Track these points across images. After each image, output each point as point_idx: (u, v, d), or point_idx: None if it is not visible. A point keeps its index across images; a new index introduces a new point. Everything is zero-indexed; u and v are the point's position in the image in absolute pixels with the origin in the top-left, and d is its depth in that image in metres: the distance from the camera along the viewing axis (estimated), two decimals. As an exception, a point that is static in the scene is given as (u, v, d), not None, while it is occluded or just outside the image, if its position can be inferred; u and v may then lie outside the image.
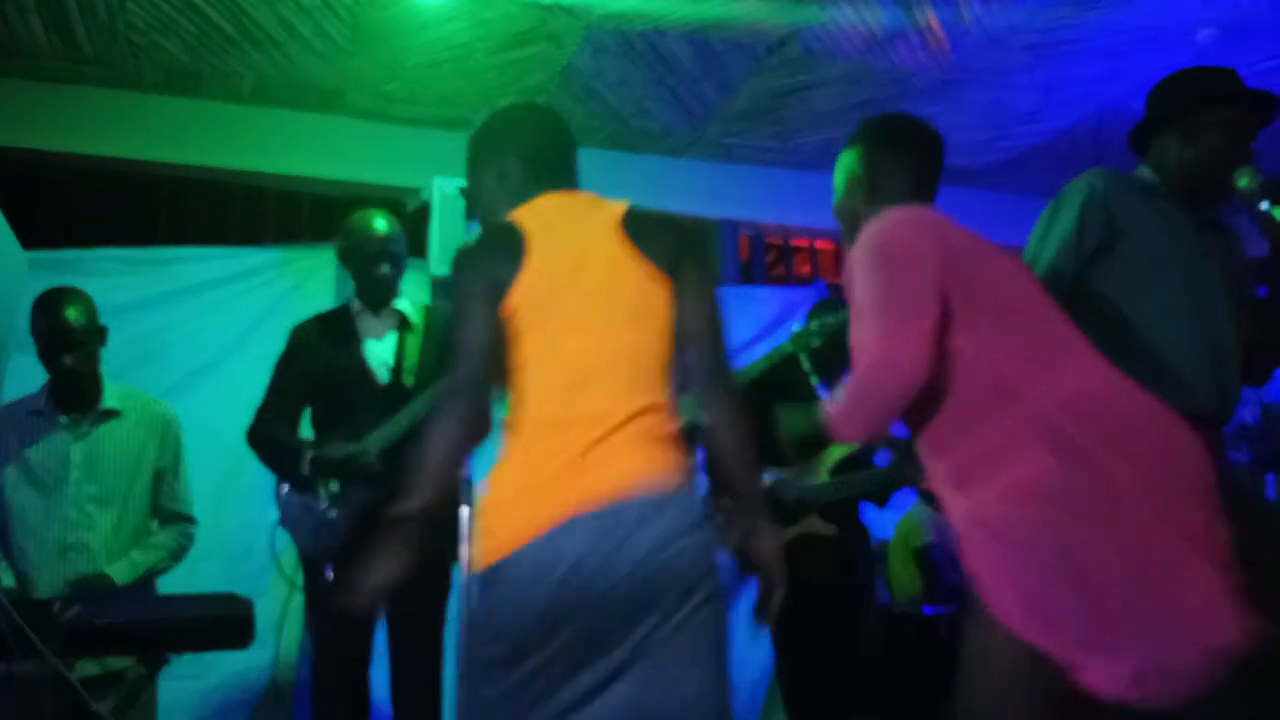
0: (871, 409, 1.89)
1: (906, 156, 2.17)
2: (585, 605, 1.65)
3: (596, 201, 1.91)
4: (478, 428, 1.78)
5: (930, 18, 4.08)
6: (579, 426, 1.73)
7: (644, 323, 1.80)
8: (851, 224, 2.18)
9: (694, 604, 1.71)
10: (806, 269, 5.75)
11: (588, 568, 1.65)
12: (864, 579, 3.50)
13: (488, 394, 1.78)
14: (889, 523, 4.34)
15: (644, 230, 1.83)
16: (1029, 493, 1.77)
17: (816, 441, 2.28)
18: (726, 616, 1.78)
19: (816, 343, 3.40)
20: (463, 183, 2.97)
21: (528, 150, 1.99)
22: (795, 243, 5.72)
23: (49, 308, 3.00)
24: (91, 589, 2.87)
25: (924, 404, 1.90)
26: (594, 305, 1.78)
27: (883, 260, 1.93)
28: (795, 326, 3.53)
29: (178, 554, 3.16)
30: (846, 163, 2.22)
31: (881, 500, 3.50)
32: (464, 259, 1.85)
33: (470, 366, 1.77)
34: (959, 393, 1.88)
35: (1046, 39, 4.25)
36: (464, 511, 2.68)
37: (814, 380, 3.50)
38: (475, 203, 2.08)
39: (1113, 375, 1.90)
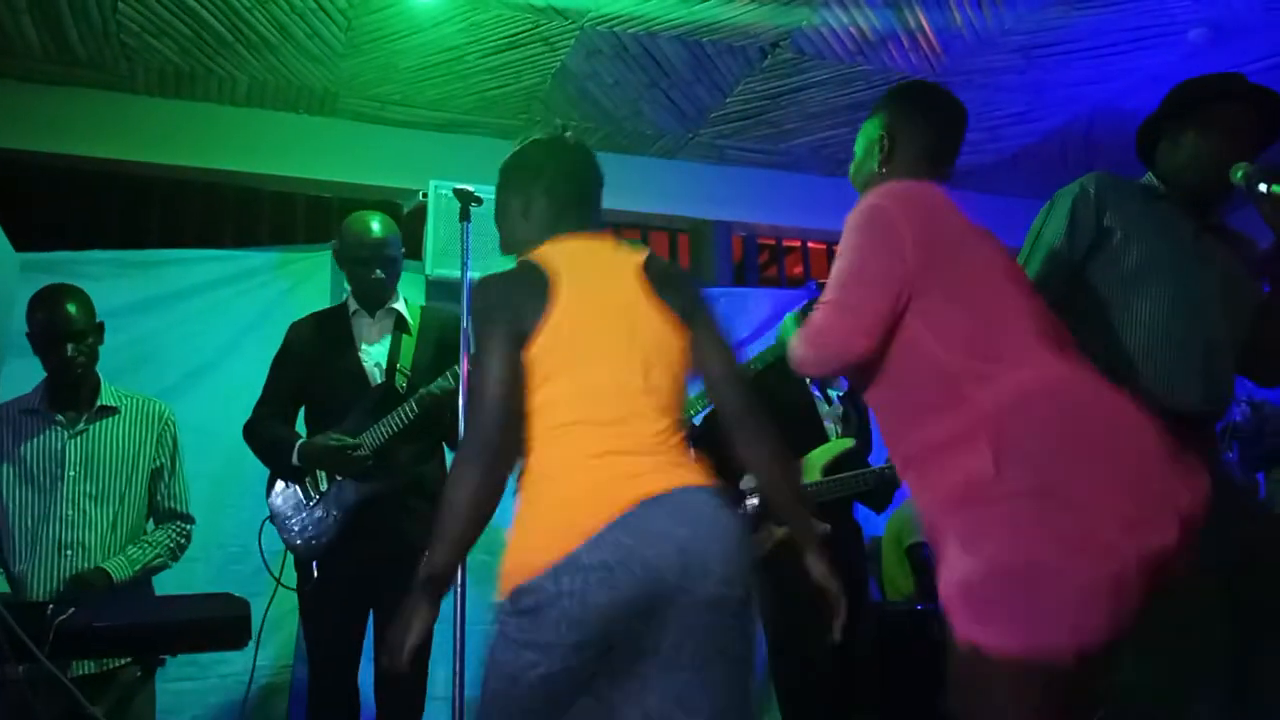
0: (813, 362, 2.01)
1: (925, 125, 2.16)
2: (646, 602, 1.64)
3: (618, 245, 1.96)
4: (499, 478, 1.78)
5: (921, 20, 4.10)
6: (618, 456, 1.73)
7: (666, 363, 1.85)
8: (866, 191, 2.17)
9: (730, 611, 1.71)
10: (799, 270, 5.77)
11: (663, 559, 1.64)
12: (857, 577, 3.51)
13: (508, 443, 1.78)
14: (881, 521, 4.35)
15: (663, 278, 1.89)
16: (969, 496, 1.77)
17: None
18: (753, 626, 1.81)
19: None
20: (457, 184, 3.00)
21: (555, 187, 2.01)
22: (788, 243, 5.74)
23: (47, 301, 3.00)
24: (88, 586, 2.87)
25: (880, 390, 1.94)
26: (621, 346, 1.81)
27: (864, 233, 1.95)
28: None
29: (175, 552, 3.16)
30: (867, 130, 2.22)
31: (880, 505, 3.52)
32: (486, 300, 1.86)
33: (490, 418, 1.77)
34: (910, 386, 1.90)
35: (1037, 40, 4.27)
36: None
37: (808, 380, 3.51)
38: (499, 227, 2.12)
39: (1073, 374, 1.86)
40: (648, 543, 1.64)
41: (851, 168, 2.26)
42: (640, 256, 1.93)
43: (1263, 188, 2.21)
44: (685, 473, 1.76)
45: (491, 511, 1.78)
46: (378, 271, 3.15)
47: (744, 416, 1.88)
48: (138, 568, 3.02)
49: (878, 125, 2.19)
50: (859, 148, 2.24)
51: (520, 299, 1.82)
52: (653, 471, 1.72)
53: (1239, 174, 2.27)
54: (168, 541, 3.13)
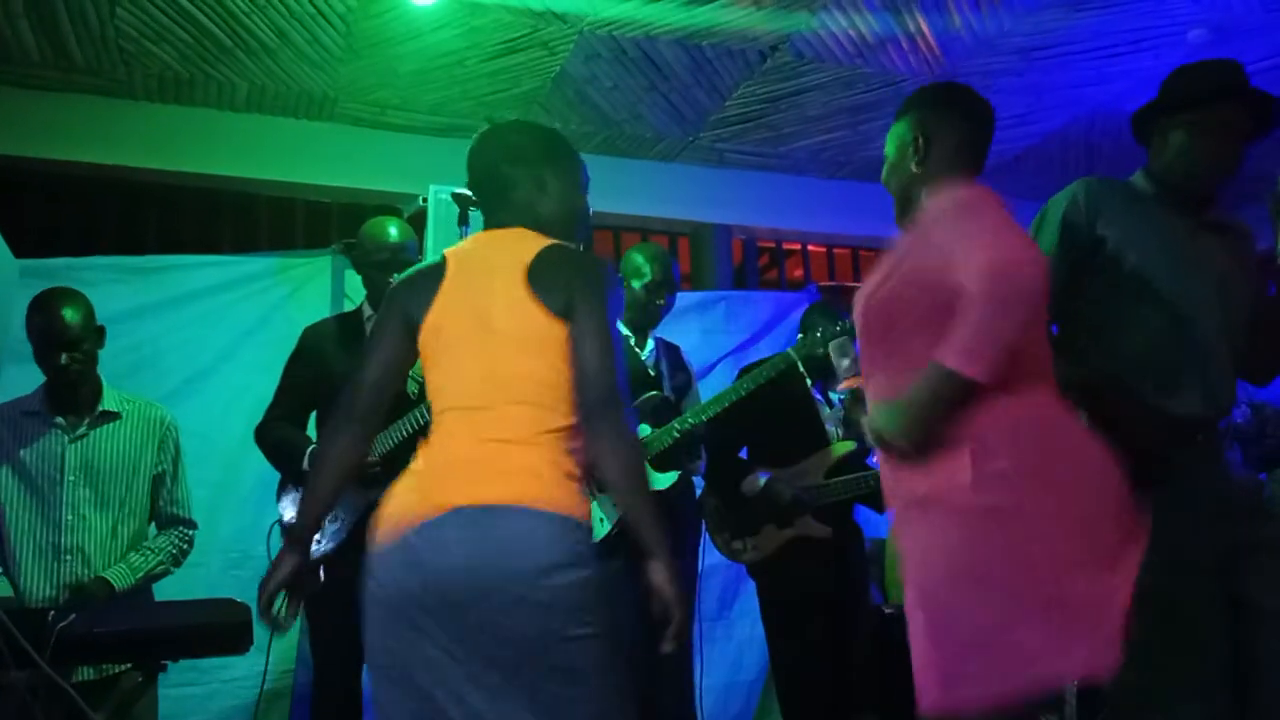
0: (1000, 327, 1.82)
1: (960, 123, 2.16)
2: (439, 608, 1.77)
3: (519, 240, 1.97)
4: (362, 446, 2.02)
5: (921, 23, 4.10)
6: (472, 442, 1.86)
7: (544, 354, 1.87)
8: (904, 196, 2.18)
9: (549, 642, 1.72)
10: (799, 273, 5.77)
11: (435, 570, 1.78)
12: (857, 579, 3.51)
13: (372, 416, 2.02)
14: (883, 522, 4.35)
15: (544, 275, 1.89)
16: (946, 500, 1.88)
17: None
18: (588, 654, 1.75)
19: (821, 350, 3.42)
20: (457, 189, 3.00)
21: (472, 184, 2.10)
22: (788, 246, 5.74)
23: (44, 307, 2.99)
24: (89, 595, 2.86)
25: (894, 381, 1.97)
26: (495, 340, 1.89)
27: (981, 208, 1.99)
28: (799, 335, 3.55)
29: (178, 558, 3.15)
30: (898, 132, 2.20)
31: (881, 506, 3.51)
32: (394, 288, 2.07)
33: (363, 393, 2.00)
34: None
35: (1037, 42, 4.27)
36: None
37: (809, 383, 3.51)
38: None
39: (1054, 404, 1.96)
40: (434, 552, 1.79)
41: (885, 170, 2.23)
42: (531, 253, 1.92)
43: None
44: (519, 478, 1.81)
45: (351, 474, 2.02)
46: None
47: (594, 415, 1.83)
48: (139, 575, 3.01)
49: (909, 126, 2.17)
50: (891, 149, 2.22)
51: (417, 291, 1.98)
52: (475, 477, 1.82)
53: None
54: (170, 548, 3.12)
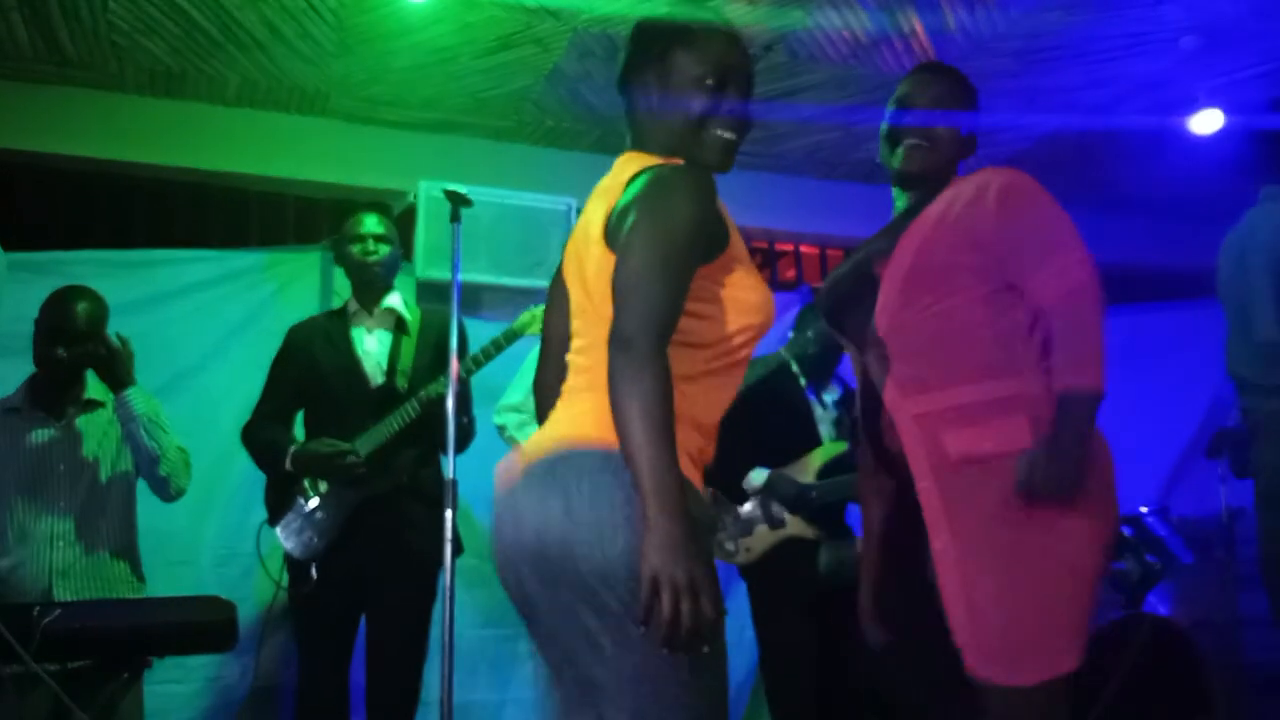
0: (1098, 329, 1.95)
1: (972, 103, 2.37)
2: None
3: (622, 168, 1.72)
4: None
5: (915, 23, 4.10)
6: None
7: (593, 288, 1.66)
8: (939, 177, 2.23)
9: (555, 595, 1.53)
10: (791, 274, 5.76)
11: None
12: (849, 581, 3.50)
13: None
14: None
15: (617, 222, 1.62)
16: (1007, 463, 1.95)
17: None
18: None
19: (813, 349, 3.44)
20: (448, 185, 2.99)
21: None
22: (780, 247, 5.73)
23: (58, 300, 3.01)
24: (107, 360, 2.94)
25: (926, 337, 2.06)
26: (575, 272, 1.72)
27: (1045, 199, 2.07)
28: (790, 333, 3.55)
29: (183, 454, 3.11)
30: (945, 118, 2.24)
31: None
32: None
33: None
34: (967, 346, 2.04)
35: (1030, 45, 4.27)
36: (448, 515, 2.70)
37: (803, 382, 3.51)
38: None
39: None
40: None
41: (925, 158, 2.24)
42: (614, 197, 1.65)
43: None
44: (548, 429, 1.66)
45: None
46: (371, 244, 3.16)
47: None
48: (155, 407, 3.03)
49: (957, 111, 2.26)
50: (941, 132, 2.25)
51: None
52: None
53: None
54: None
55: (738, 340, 1.65)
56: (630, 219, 1.56)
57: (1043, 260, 1.97)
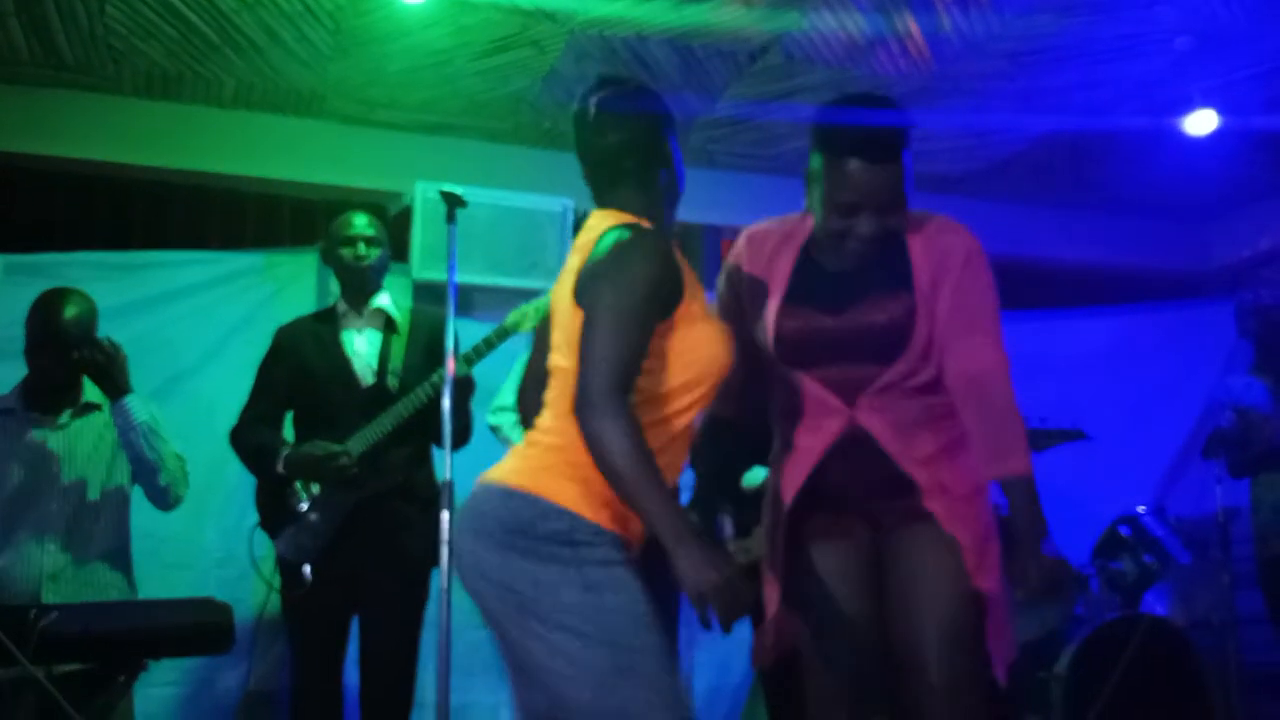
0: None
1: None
2: None
3: (598, 221, 1.93)
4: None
5: (911, 25, 4.10)
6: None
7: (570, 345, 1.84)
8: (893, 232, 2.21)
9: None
10: (788, 275, 5.76)
11: None
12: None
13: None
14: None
15: (585, 281, 1.83)
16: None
17: None
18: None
19: None
20: (444, 186, 2.99)
21: None
22: (777, 249, 5.74)
23: (46, 304, 2.98)
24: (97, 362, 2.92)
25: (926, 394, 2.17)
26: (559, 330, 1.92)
27: (987, 270, 2.20)
28: None
29: (181, 462, 3.12)
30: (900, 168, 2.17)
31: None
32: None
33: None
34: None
35: (1026, 46, 4.28)
36: (444, 516, 2.69)
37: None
38: None
39: None
40: None
41: (897, 210, 2.20)
42: (595, 234, 1.87)
43: None
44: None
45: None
46: (362, 248, 3.15)
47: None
48: (153, 415, 3.02)
49: (904, 164, 2.20)
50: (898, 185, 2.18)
51: None
52: None
53: None
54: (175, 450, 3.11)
55: (682, 398, 1.83)
56: (593, 281, 1.78)
57: (988, 347, 2.15)
